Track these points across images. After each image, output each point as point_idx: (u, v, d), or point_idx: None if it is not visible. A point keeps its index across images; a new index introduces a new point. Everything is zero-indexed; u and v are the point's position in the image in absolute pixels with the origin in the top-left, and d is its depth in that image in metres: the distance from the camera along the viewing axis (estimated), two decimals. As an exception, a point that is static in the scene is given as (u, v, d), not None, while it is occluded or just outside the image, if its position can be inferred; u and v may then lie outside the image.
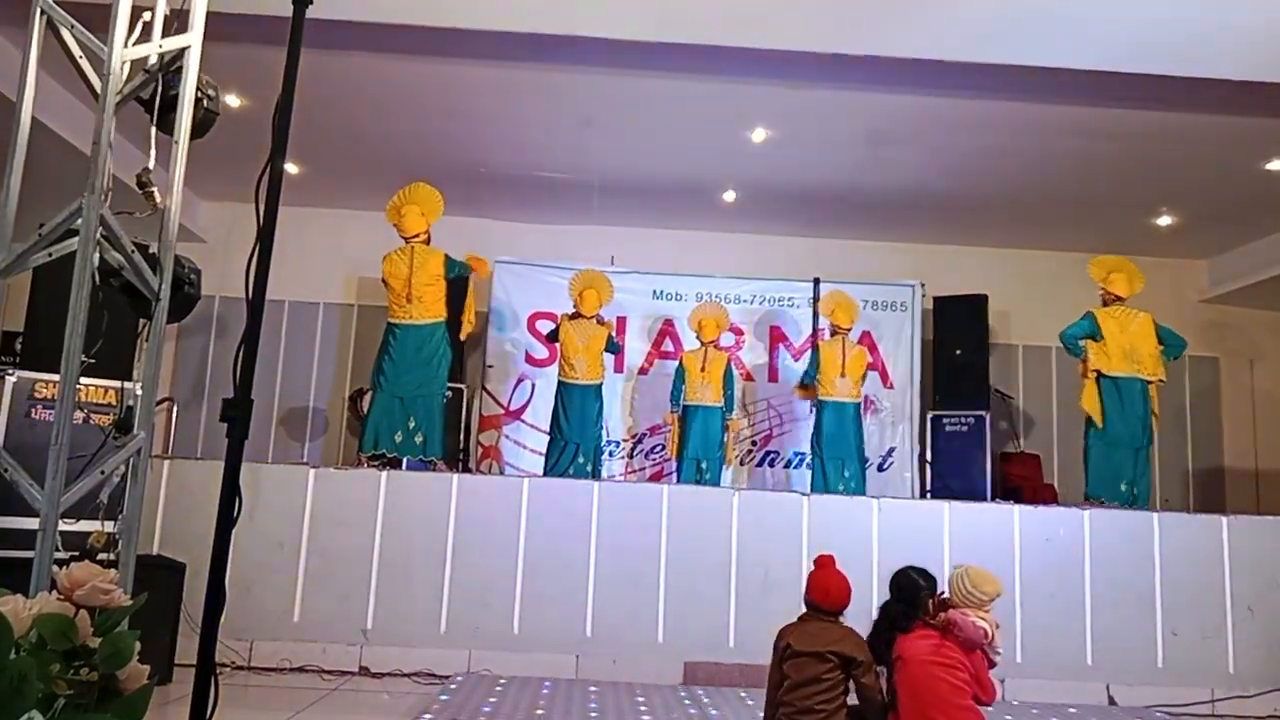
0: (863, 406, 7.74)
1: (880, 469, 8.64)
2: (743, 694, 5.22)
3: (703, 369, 7.57)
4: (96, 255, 2.75)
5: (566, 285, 7.85)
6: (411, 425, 6.59)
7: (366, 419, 6.72)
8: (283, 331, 9.19)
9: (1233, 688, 5.68)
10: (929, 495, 8.37)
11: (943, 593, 3.44)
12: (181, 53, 3.01)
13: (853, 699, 3.26)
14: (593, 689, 5.13)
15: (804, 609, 3.41)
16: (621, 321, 8.86)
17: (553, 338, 7.78)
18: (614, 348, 7.79)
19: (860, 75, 6.17)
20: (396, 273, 6.73)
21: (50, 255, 2.85)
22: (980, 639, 3.28)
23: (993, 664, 3.37)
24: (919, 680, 3.24)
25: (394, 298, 6.75)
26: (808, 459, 8.05)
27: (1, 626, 1.37)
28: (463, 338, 7.50)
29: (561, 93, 6.78)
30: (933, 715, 3.22)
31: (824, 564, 3.45)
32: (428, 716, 4.22)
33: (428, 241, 6.83)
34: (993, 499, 7.98)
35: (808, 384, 7.80)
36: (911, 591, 3.37)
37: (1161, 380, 6.73)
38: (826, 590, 3.35)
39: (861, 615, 3.43)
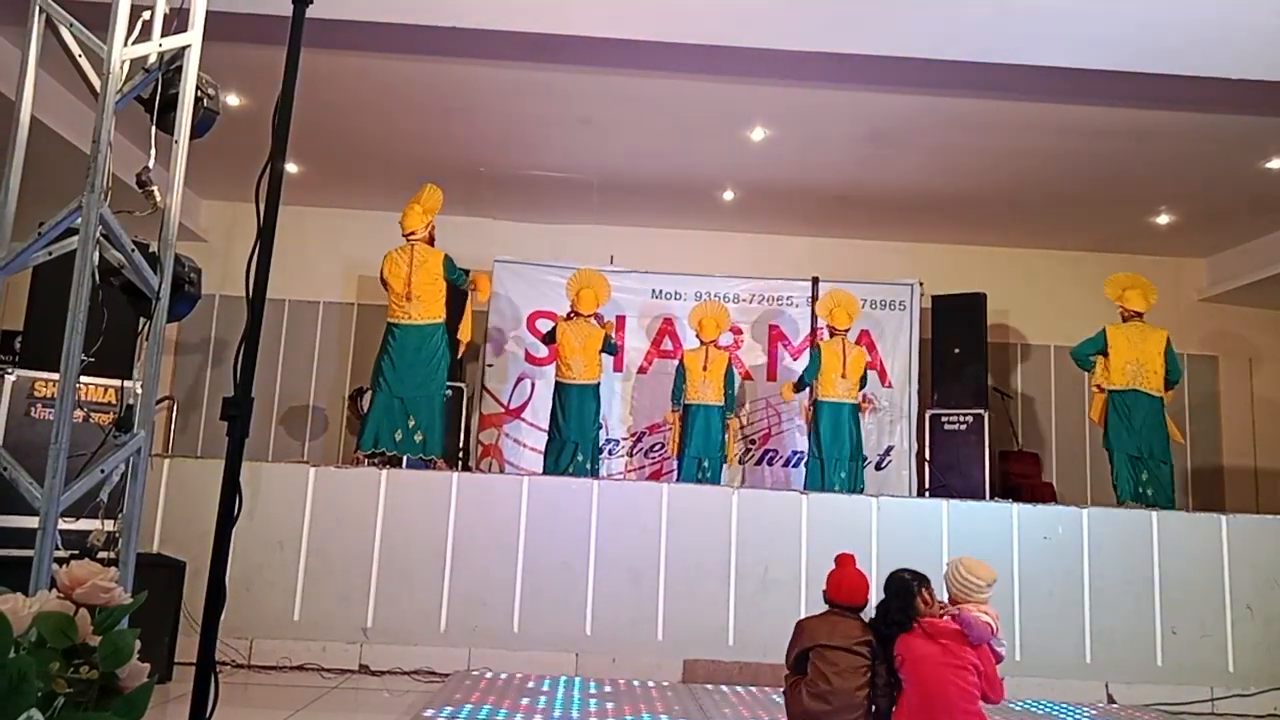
0: (860, 406, 7.72)
1: (879, 467, 8.64)
2: (741, 690, 5.23)
3: (704, 368, 7.57)
4: (96, 254, 2.75)
5: (566, 285, 7.85)
6: (411, 424, 6.59)
7: (366, 418, 6.72)
8: (283, 330, 9.20)
9: (1232, 686, 5.69)
10: (927, 494, 8.38)
11: (943, 603, 3.46)
12: (181, 52, 3.00)
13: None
14: (592, 686, 5.13)
15: (824, 606, 3.48)
16: (621, 320, 8.87)
17: (550, 339, 7.77)
18: (611, 348, 7.78)
19: (859, 74, 6.17)
20: (396, 271, 6.73)
21: (50, 254, 2.85)
22: (987, 635, 3.30)
23: (999, 658, 3.38)
24: (930, 684, 3.26)
25: (394, 297, 6.75)
26: (805, 457, 8.06)
27: (1, 625, 1.37)
28: (459, 355, 7.53)
29: (560, 92, 6.78)
30: (940, 719, 3.24)
31: (844, 562, 3.51)
32: (429, 712, 4.23)
33: (431, 241, 6.85)
34: (991, 497, 7.98)
35: (806, 383, 7.77)
36: (904, 590, 3.40)
37: (1162, 399, 6.85)
38: (840, 586, 3.49)
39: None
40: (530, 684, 5.08)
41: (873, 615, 3.48)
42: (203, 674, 2.42)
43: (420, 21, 5.60)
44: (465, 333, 7.35)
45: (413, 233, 6.75)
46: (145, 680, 1.53)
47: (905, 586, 3.41)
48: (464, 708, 4.38)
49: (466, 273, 7.08)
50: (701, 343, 7.70)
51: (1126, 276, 7.18)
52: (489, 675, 5.28)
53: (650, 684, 5.31)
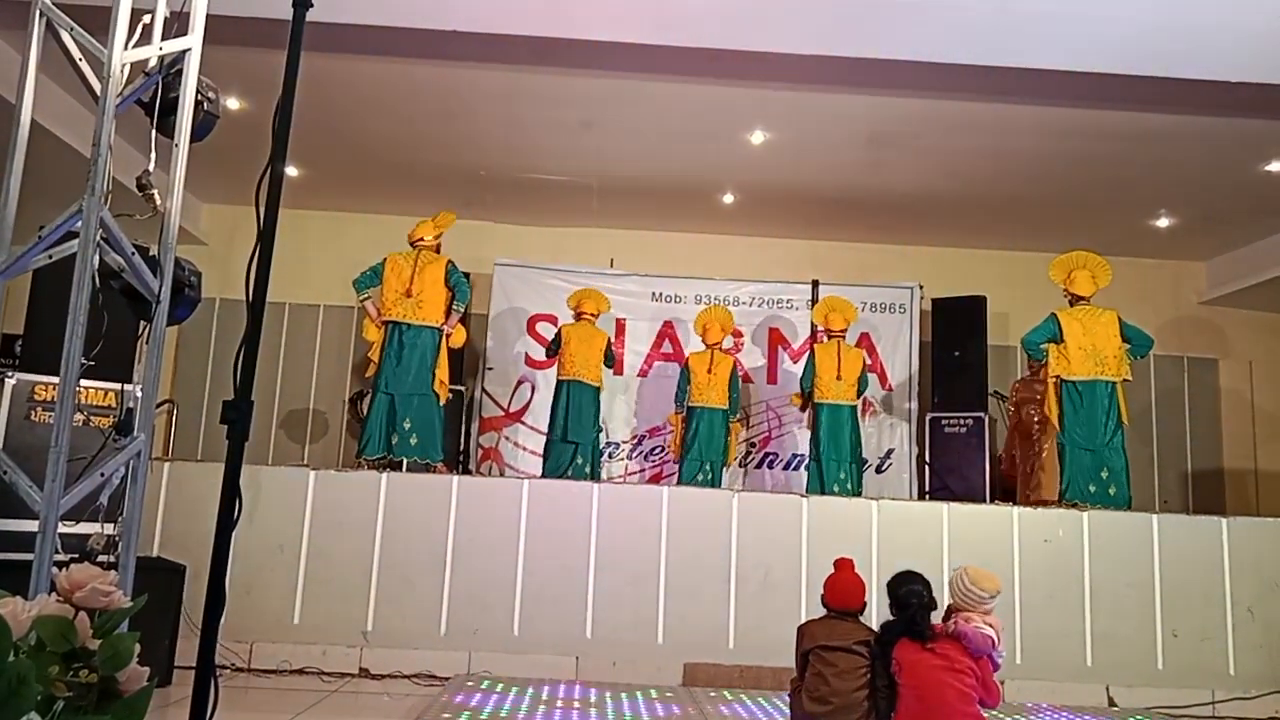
0: (860, 408, 7.72)
1: (879, 470, 8.64)
2: (742, 695, 5.22)
3: (709, 371, 7.58)
4: (96, 257, 2.75)
5: (566, 288, 7.87)
6: (407, 426, 6.59)
7: (365, 422, 6.74)
8: (283, 334, 9.20)
9: (1233, 689, 5.68)
10: (928, 496, 8.38)
11: (949, 604, 3.46)
12: (182, 55, 3.01)
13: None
14: (592, 690, 5.12)
15: (821, 611, 3.49)
16: (621, 324, 8.87)
17: (554, 348, 7.74)
18: (610, 359, 7.77)
19: (859, 77, 6.17)
20: (398, 271, 6.78)
21: (50, 257, 2.85)
22: (988, 648, 3.29)
23: (996, 666, 3.38)
24: (929, 688, 3.25)
25: (392, 296, 6.76)
26: (806, 460, 8.06)
27: (1, 628, 1.37)
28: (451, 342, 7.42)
29: (561, 95, 6.78)
30: (938, 722, 3.23)
31: (842, 567, 3.52)
32: (433, 712, 4.22)
33: (437, 250, 6.92)
34: (991, 500, 7.98)
35: (805, 390, 7.75)
36: (928, 605, 3.39)
37: (1126, 379, 6.48)
38: (837, 590, 3.50)
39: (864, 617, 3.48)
40: (530, 687, 5.07)
41: (885, 621, 3.46)
42: (202, 677, 2.41)
43: (420, 25, 5.60)
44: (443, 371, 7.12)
45: (421, 239, 6.84)
46: (145, 684, 1.52)
47: (926, 601, 3.39)
48: (464, 711, 4.37)
49: (467, 276, 7.07)
50: (705, 346, 7.71)
51: (1075, 256, 6.77)
52: (489, 678, 5.27)
53: (651, 687, 5.30)
